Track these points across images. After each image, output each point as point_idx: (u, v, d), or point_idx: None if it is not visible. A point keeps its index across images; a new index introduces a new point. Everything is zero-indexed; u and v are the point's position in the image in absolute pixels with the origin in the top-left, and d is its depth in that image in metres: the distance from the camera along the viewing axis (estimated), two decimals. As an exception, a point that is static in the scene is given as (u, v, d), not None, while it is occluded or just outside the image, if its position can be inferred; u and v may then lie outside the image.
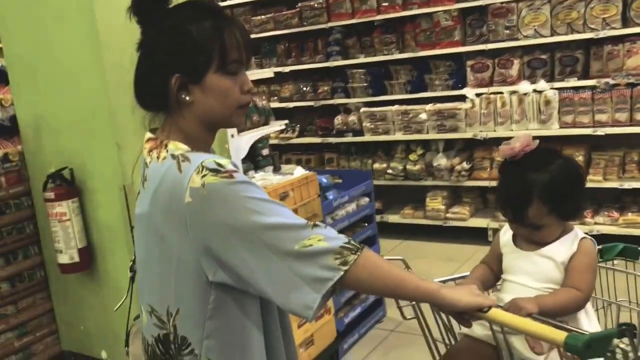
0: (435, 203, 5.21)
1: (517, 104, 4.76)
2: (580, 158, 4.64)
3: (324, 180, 3.42)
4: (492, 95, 4.87)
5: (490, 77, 4.95)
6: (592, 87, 4.51)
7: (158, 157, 1.30)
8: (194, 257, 1.24)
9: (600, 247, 1.91)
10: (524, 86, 4.73)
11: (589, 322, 1.67)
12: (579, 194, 1.72)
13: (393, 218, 5.40)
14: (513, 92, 4.77)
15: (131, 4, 1.29)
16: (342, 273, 1.19)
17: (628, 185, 4.47)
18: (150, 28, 1.31)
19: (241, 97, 1.32)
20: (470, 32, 4.99)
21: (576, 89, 4.58)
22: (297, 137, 5.98)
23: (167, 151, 1.29)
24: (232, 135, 3.63)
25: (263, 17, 5.94)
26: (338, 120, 5.65)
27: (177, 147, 1.29)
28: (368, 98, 5.51)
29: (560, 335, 1.19)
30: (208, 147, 1.39)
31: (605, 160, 4.65)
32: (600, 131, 4.48)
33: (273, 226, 1.20)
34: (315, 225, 1.23)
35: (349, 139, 5.58)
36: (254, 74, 3.93)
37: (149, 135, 1.36)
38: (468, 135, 5.00)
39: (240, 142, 3.67)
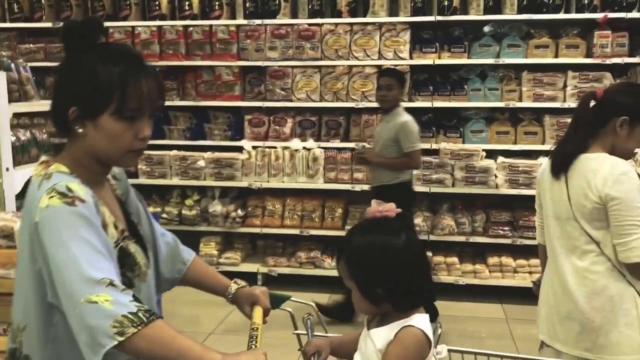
0: (209, 248, 5.34)
1: (289, 158, 5.22)
2: (340, 210, 5.26)
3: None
4: (267, 149, 5.26)
5: (266, 132, 5.35)
6: (352, 149, 5.19)
7: (37, 175, 1.35)
8: (38, 275, 1.29)
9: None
10: (296, 143, 5.23)
11: None
12: (388, 279, 1.43)
13: (165, 263, 5.36)
14: (286, 148, 5.24)
15: (63, 32, 1.38)
16: (115, 342, 1.18)
17: (377, 235, 5.18)
18: (70, 58, 1.39)
19: (134, 142, 1.38)
20: (250, 89, 5.37)
21: (339, 149, 5.22)
22: (63, 175, 5.62)
23: (45, 170, 1.35)
24: (7, 169, 3.36)
25: (32, 46, 5.55)
26: (111, 161, 5.47)
27: (58, 168, 1.36)
28: (145, 141, 5.47)
29: None
30: (99, 176, 1.44)
31: (359, 213, 5.32)
32: (358, 187, 5.16)
33: (70, 269, 1.22)
34: (111, 284, 1.22)
35: (123, 181, 5.44)
36: (29, 106, 3.71)
37: (43, 157, 1.41)
38: (244, 184, 5.30)
39: (15, 177, 3.40)
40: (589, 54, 4.85)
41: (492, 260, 5.00)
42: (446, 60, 5.03)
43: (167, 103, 5.18)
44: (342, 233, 5.22)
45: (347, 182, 5.19)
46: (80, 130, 1.36)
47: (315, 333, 1.80)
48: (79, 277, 1.21)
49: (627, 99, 2.16)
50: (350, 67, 5.14)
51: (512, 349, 3.99)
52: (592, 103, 2.19)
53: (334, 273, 4.99)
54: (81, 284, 1.21)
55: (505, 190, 4.93)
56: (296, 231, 5.24)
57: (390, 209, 1.48)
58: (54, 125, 1.42)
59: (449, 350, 1.68)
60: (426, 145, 5.11)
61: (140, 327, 1.20)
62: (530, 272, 4.91)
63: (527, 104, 4.96)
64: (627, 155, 2.23)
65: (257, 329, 1.51)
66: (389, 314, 1.46)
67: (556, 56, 4.88)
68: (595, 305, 2.13)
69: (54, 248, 1.24)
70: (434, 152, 5.09)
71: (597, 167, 2.11)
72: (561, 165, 2.22)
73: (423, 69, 5.15)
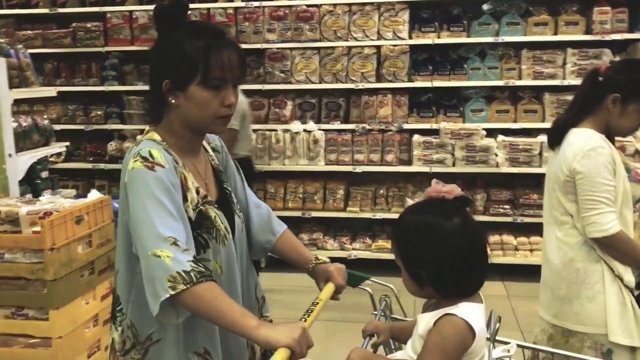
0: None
1: (289, 141, 5.23)
2: (341, 192, 5.28)
3: (116, 205, 3.35)
4: (267, 132, 5.27)
5: (266, 115, 5.35)
6: (352, 131, 5.19)
7: (135, 142, 1.55)
8: (126, 227, 1.48)
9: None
10: (296, 126, 5.23)
11: None
12: (435, 264, 1.38)
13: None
14: (286, 130, 5.24)
15: (154, 13, 1.56)
16: (167, 295, 1.33)
17: (379, 215, 5.21)
18: (161, 37, 1.55)
19: (220, 109, 1.51)
20: (249, 72, 5.35)
21: (339, 131, 5.23)
22: (64, 161, 5.63)
23: (141, 137, 1.55)
24: (10, 155, 3.37)
25: (29, 32, 5.53)
26: (112, 146, 5.49)
27: (151, 136, 1.53)
28: (145, 125, 5.47)
29: None
30: (193, 144, 1.59)
31: (361, 194, 5.34)
32: (359, 169, 5.17)
33: (145, 224, 1.39)
34: (174, 243, 1.37)
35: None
36: (30, 92, 3.71)
37: (147, 128, 1.60)
38: (244, 167, 5.30)
39: (18, 162, 3.42)
40: (588, 31, 4.83)
41: (493, 238, 5.02)
42: (445, 39, 5.01)
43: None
44: (344, 214, 5.26)
45: (348, 163, 5.20)
46: (173, 101, 1.50)
47: (394, 316, 1.81)
48: (150, 232, 1.38)
49: (620, 75, 2.16)
50: (349, 47, 5.13)
51: (515, 326, 4.04)
52: (597, 79, 2.19)
53: (337, 254, 5.05)
54: (151, 239, 1.37)
55: (506, 169, 4.95)
56: (298, 213, 5.27)
57: (449, 190, 1.41)
58: (153, 98, 1.56)
59: (519, 346, 1.61)
60: (426, 125, 5.13)
61: (189, 285, 1.33)
62: (531, 250, 4.94)
63: (526, 82, 4.95)
64: (624, 133, 2.25)
65: (317, 304, 1.54)
66: (441, 300, 1.41)
67: (555, 33, 4.86)
68: (562, 275, 2.23)
69: (134, 204, 1.42)
70: (434, 132, 5.09)
71: (574, 141, 2.16)
72: (554, 138, 2.28)
73: (422, 49, 5.14)
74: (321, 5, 5.12)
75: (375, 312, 1.82)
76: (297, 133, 5.20)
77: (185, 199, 1.50)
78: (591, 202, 2.09)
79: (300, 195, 5.34)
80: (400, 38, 5.04)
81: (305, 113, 5.32)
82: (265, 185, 5.40)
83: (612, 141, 2.24)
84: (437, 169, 5.06)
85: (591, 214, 2.09)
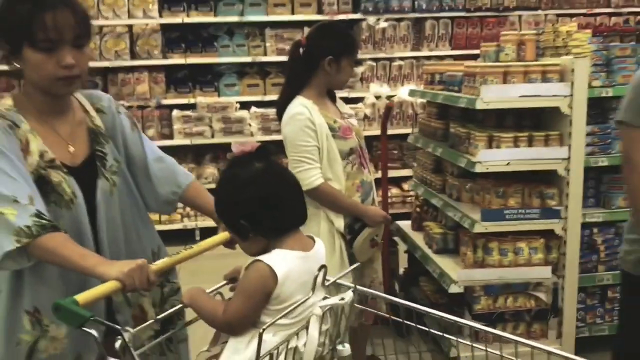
0: None
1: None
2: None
3: None
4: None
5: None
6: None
7: None
8: None
9: None
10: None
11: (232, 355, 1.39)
12: (244, 210, 1.42)
13: None
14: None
15: None
16: (12, 247, 1.42)
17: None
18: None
19: (58, 71, 1.51)
20: None
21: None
22: None
23: None
24: None
25: None
26: None
27: (4, 101, 1.58)
28: None
29: None
30: (51, 106, 1.61)
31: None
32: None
33: None
34: (15, 201, 1.45)
35: None
36: None
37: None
38: None
39: None
40: (320, 11, 5.48)
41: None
42: (195, 18, 5.32)
43: None
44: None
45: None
46: (17, 65, 1.53)
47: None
48: None
49: (325, 41, 2.49)
50: (101, 27, 5.19)
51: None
52: (301, 50, 2.49)
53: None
54: None
55: (260, 137, 5.44)
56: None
57: (249, 145, 1.48)
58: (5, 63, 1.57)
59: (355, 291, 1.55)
60: (184, 101, 5.42)
61: (30, 239, 1.42)
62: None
63: (272, 58, 5.47)
64: (342, 86, 2.59)
65: (192, 247, 1.56)
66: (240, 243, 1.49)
67: (292, 13, 5.44)
68: None
69: None
70: (192, 107, 5.41)
71: (285, 112, 2.48)
72: (279, 110, 2.54)
73: (174, 28, 5.39)
74: (67, -17, 5.10)
75: None
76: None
77: (24, 161, 1.53)
78: (295, 161, 2.41)
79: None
80: (150, 17, 5.23)
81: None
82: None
83: (334, 99, 2.62)
84: (197, 140, 5.39)
85: (296, 171, 2.36)
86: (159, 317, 1.50)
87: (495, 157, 2.80)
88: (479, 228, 2.81)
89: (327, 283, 1.49)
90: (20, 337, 1.56)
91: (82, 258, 1.43)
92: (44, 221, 1.45)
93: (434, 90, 3.43)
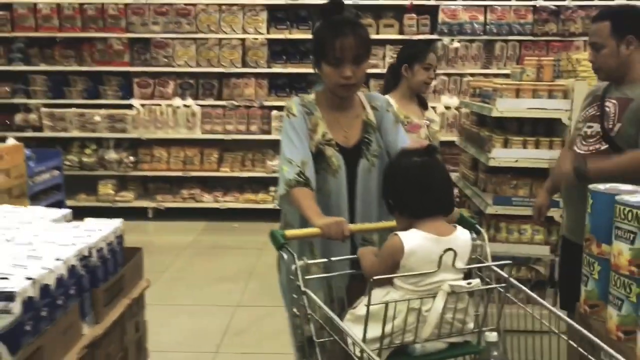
0: (105, 189, 6.47)
1: (171, 114, 6.42)
2: (215, 156, 6.53)
3: (27, 151, 4.45)
4: (153, 106, 6.43)
5: (152, 92, 6.52)
6: (223, 106, 6.47)
7: None
8: None
9: None
10: (177, 101, 6.43)
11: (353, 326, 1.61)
12: (395, 191, 1.73)
13: (70, 202, 6.43)
14: (169, 105, 6.43)
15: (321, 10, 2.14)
16: (283, 192, 2.02)
17: (245, 174, 6.52)
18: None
19: (339, 79, 2.05)
20: (137, 57, 6.49)
21: (213, 106, 6.48)
22: (-26, 131, 6.50)
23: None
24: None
25: (-58, 17, 6.37)
26: (19, 117, 6.45)
27: (306, 96, 2.23)
28: (48, 100, 6.49)
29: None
30: (337, 101, 2.16)
31: (232, 158, 6.62)
32: (229, 137, 6.46)
33: (282, 150, 2.11)
34: (290, 162, 2.04)
35: (30, 134, 6.43)
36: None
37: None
38: (134, 135, 6.45)
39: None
40: (401, 32, 6.35)
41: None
42: (296, 35, 6.39)
43: (66, 68, 6.27)
44: (218, 174, 6.51)
45: (221, 132, 6.47)
46: (318, 71, 2.12)
47: None
48: (282, 154, 2.09)
49: (402, 52, 3.39)
50: (220, 39, 6.39)
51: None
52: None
53: (211, 205, 6.30)
54: (282, 158, 2.09)
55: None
56: (180, 173, 6.48)
57: (420, 143, 1.95)
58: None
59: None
60: (282, 103, 6.43)
61: (289, 189, 2.02)
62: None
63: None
64: (422, 86, 3.35)
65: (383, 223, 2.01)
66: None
67: (377, 33, 6.35)
68: None
69: (282, 137, 2.14)
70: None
71: None
72: None
73: (278, 42, 6.48)
74: (196, 4, 6.35)
75: None
76: (178, 107, 6.41)
77: (311, 138, 2.10)
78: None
79: (182, 159, 6.55)
80: (260, 33, 6.36)
81: (185, 91, 6.54)
82: (152, 150, 6.56)
83: (424, 104, 3.45)
84: (290, 137, 6.42)
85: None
86: (333, 259, 1.85)
87: (507, 155, 3.56)
88: (491, 210, 3.57)
89: (457, 267, 1.63)
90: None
91: (308, 208, 1.93)
92: (300, 179, 2.01)
93: (473, 101, 4.21)
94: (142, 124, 6.44)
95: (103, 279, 1.68)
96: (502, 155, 3.55)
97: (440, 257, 1.58)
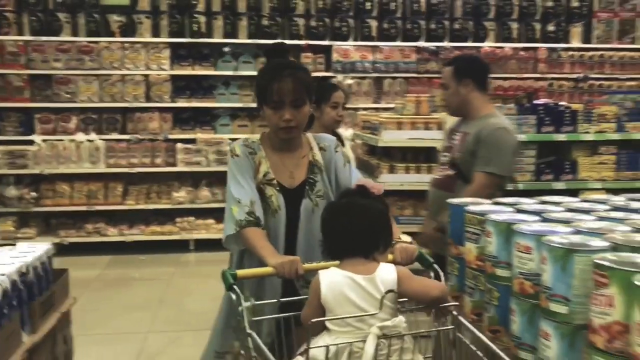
0: (5, 226, 6.36)
1: (75, 149, 6.46)
2: (120, 189, 6.62)
3: None
4: (55, 142, 6.45)
5: (54, 127, 6.53)
6: (128, 140, 6.60)
7: None
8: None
9: None
10: (80, 136, 6.49)
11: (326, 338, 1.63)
12: (328, 235, 1.77)
13: (-35, 240, 6.26)
14: (72, 140, 6.47)
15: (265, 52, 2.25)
16: (232, 232, 2.06)
17: (152, 207, 6.65)
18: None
19: (280, 122, 2.10)
20: (38, 93, 6.50)
21: (117, 140, 6.60)
22: None
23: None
24: None
25: None
26: None
27: (252, 137, 2.26)
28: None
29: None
30: (280, 144, 2.19)
31: (137, 191, 6.73)
32: (134, 170, 6.58)
33: (229, 191, 2.15)
34: (238, 202, 2.08)
35: None
36: None
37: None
38: (36, 171, 6.42)
39: None
40: (298, 69, 6.82)
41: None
42: (198, 71, 6.68)
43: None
44: (123, 207, 6.58)
45: (125, 166, 6.58)
46: (261, 114, 2.17)
47: None
48: (229, 194, 2.12)
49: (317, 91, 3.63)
50: (123, 75, 6.55)
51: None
52: None
53: (116, 238, 6.36)
54: (229, 198, 2.12)
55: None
56: (84, 208, 6.50)
57: (363, 182, 1.89)
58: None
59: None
60: (187, 136, 6.71)
61: (239, 229, 2.05)
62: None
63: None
64: (330, 124, 3.55)
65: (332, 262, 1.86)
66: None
67: (276, 70, 6.78)
68: None
69: (228, 178, 2.17)
70: (193, 141, 6.70)
71: None
72: None
73: (181, 78, 6.74)
74: (99, 41, 6.49)
75: None
76: (81, 142, 6.47)
77: (254, 177, 2.15)
78: None
79: (85, 193, 6.57)
80: (163, 69, 6.60)
81: (88, 126, 6.61)
82: (55, 186, 6.53)
83: (340, 141, 3.58)
84: (195, 168, 6.66)
85: None
86: (282, 299, 1.93)
87: (393, 179, 4.05)
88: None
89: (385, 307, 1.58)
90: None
91: (262, 248, 1.98)
92: (251, 218, 2.05)
93: (364, 133, 4.70)
94: (44, 160, 6.43)
95: (38, 293, 1.89)
96: (390, 179, 4.03)
97: (382, 299, 1.58)
